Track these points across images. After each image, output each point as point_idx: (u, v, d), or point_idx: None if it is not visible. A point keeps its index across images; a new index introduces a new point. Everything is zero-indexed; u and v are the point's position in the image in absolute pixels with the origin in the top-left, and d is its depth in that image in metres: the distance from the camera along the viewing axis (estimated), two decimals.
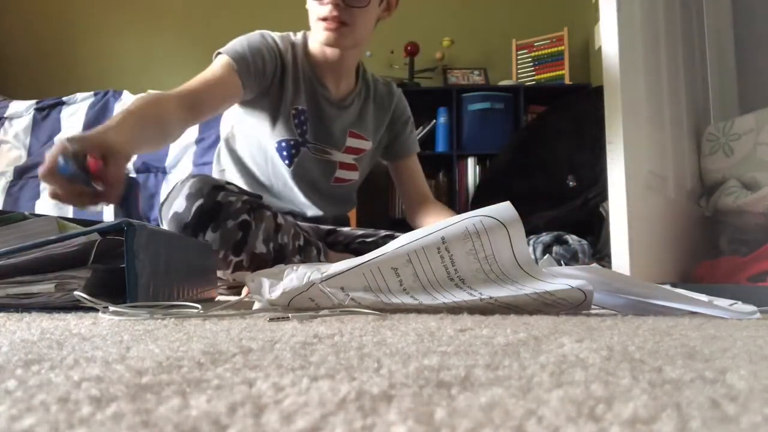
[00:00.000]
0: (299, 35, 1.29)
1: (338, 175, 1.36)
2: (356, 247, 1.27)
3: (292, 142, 1.27)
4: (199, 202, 0.98)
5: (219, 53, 1.16)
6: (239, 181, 1.33)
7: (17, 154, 2.28)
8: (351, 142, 1.35)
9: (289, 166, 1.28)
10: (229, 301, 0.85)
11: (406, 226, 1.19)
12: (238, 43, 1.18)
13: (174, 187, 1.03)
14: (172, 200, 1.00)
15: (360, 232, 1.33)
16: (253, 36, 1.21)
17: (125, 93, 2.35)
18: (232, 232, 1.00)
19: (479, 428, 0.19)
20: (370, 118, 1.38)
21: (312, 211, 1.34)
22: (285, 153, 1.27)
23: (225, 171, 1.38)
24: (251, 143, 1.32)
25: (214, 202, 0.99)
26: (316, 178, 1.33)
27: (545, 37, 2.76)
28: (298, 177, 1.30)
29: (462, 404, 0.23)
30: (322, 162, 1.33)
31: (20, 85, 2.92)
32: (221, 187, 1.02)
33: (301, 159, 1.29)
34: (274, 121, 1.26)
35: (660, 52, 1.49)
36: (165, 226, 1.02)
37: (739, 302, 0.70)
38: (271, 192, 1.33)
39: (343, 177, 1.37)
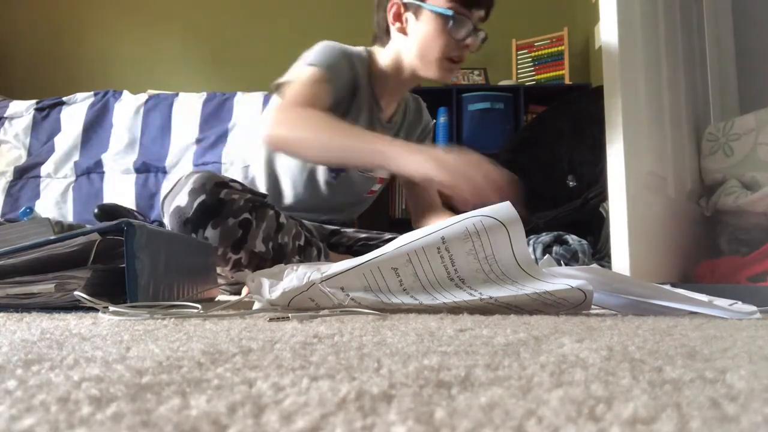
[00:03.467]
0: (362, 50, 1.28)
1: (374, 188, 1.43)
2: (358, 250, 1.27)
3: None
4: (201, 197, 0.98)
5: (310, 64, 1.13)
6: (261, 177, 1.33)
7: (17, 154, 2.28)
8: None
9: (334, 179, 1.30)
10: (229, 301, 0.85)
11: (405, 227, 1.19)
12: (327, 56, 1.16)
13: (178, 182, 1.03)
14: (175, 194, 1.01)
15: (363, 234, 1.33)
16: (335, 48, 1.19)
17: (125, 93, 2.35)
18: (232, 230, 1.00)
19: (479, 428, 0.19)
20: (404, 134, 1.43)
21: (324, 217, 1.36)
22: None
23: (250, 166, 1.38)
24: None
25: (216, 199, 0.99)
26: (355, 190, 1.37)
27: (545, 37, 2.75)
28: (336, 189, 1.32)
29: (462, 404, 0.23)
30: (366, 178, 1.37)
31: (20, 85, 2.91)
32: (224, 184, 1.02)
33: (348, 174, 1.32)
34: None
35: (660, 52, 1.49)
36: (166, 220, 1.02)
37: (739, 302, 0.70)
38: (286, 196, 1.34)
39: (376, 189, 1.45)
